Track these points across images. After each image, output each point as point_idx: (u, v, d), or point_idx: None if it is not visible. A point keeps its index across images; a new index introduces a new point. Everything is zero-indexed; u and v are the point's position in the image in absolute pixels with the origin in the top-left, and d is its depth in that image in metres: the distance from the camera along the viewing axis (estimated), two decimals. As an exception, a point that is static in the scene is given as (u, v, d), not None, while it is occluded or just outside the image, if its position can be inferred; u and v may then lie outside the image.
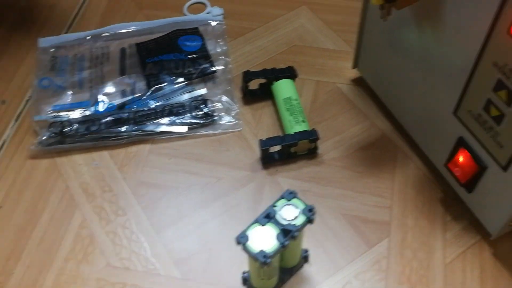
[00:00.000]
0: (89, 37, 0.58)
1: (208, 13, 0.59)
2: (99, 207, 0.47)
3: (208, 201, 0.47)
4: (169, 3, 0.62)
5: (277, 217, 0.36)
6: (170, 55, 0.55)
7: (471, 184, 0.42)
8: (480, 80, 0.37)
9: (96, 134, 0.50)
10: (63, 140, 0.50)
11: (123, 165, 0.50)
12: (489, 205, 0.42)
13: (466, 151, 0.41)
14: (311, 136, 0.48)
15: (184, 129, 0.51)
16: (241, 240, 0.35)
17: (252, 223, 0.36)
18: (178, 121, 0.51)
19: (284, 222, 0.36)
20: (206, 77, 0.54)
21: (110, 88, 0.54)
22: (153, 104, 0.52)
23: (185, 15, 0.60)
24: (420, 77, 0.44)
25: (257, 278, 0.40)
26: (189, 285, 0.43)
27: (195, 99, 0.52)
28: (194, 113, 0.51)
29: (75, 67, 0.55)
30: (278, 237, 0.36)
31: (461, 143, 0.41)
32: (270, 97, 0.54)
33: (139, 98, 0.53)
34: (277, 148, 0.49)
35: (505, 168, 0.38)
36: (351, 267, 0.43)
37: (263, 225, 0.36)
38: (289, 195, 0.37)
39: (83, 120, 0.51)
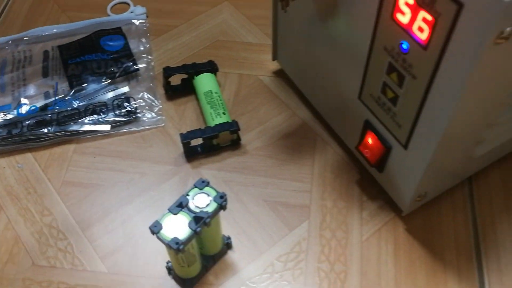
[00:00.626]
0: (11, 41, 0.57)
1: (131, 12, 0.60)
2: (24, 209, 0.47)
3: (133, 196, 0.48)
4: (92, 4, 0.62)
5: (190, 205, 0.38)
6: (92, 56, 0.55)
7: (380, 164, 0.44)
8: (375, 64, 0.39)
9: (19, 137, 0.50)
10: (-15, 144, 0.50)
11: (48, 166, 0.50)
12: (398, 183, 0.44)
13: (373, 133, 0.43)
14: (231, 127, 0.49)
15: (107, 127, 0.51)
16: (154, 229, 0.36)
17: (165, 213, 0.37)
18: (101, 120, 0.51)
19: (197, 210, 0.37)
20: (129, 75, 0.55)
21: (32, 91, 0.54)
22: (76, 104, 0.52)
23: (108, 15, 0.61)
24: (328, 66, 0.46)
25: (178, 266, 0.41)
26: (116, 279, 0.43)
27: (117, 97, 0.53)
28: (117, 112, 0.52)
29: (-4, 71, 0.55)
30: (190, 224, 0.37)
31: (367, 126, 0.44)
32: (193, 92, 0.55)
33: (62, 99, 0.53)
34: (200, 141, 0.50)
35: (405, 147, 0.40)
36: (273, 250, 0.45)
37: (175, 214, 0.37)
38: (201, 184, 0.38)
39: (5, 124, 0.51)
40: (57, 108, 0.52)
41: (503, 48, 0.30)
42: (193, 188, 0.39)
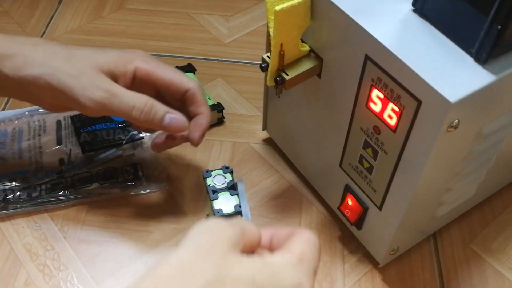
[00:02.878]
0: (27, 112, 0.64)
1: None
2: (43, 265, 0.52)
3: (142, 252, 0.54)
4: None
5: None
6: (102, 125, 0.62)
7: (359, 222, 0.52)
8: (353, 140, 0.47)
9: (37, 200, 0.56)
10: (6, 206, 0.55)
11: (63, 225, 0.55)
12: (374, 239, 0.52)
13: (352, 196, 0.51)
14: (218, 107, 0.64)
15: (117, 191, 0.57)
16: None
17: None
18: (111, 183, 0.58)
19: None
20: (135, 142, 0.62)
21: (48, 157, 0.60)
22: (88, 169, 0.59)
23: (115, 88, 0.68)
24: (312, 138, 0.54)
25: None
26: (127, 328, 0.49)
27: (126, 163, 0.59)
28: (125, 176, 0.58)
29: (14, 139, 0.61)
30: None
31: (347, 189, 0.51)
32: None
33: (76, 164, 0.59)
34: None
35: (380, 208, 0.48)
36: (267, 300, 0.51)
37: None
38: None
39: (24, 187, 0.57)
40: (71, 173, 0.58)
41: (453, 134, 0.38)
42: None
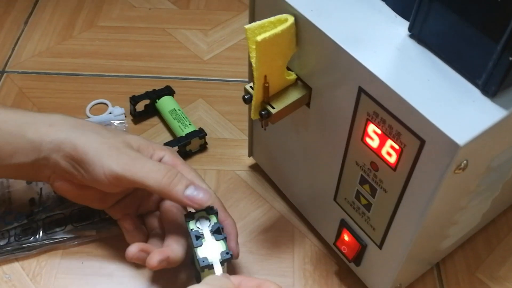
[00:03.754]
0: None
1: (110, 113, 0.63)
2: (14, 322, 0.48)
3: (123, 302, 0.49)
4: (70, 106, 0.65)
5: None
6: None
7: (357, 259, 0.48)
8: (349, 175, 0.43)
9: (5, 248, 0.51)
10: (-29, 257, 0.50)
11: (36, 275, 0.51)
12: (374, 276, 0.48)
13: (348, 232, 0.47)
14: (200, 133, 0.60)
15: (93, 232, 0.53)
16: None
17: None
18: (87, 225, 0.53)
19: None
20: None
21: (17, 197, 0.55)
22: (61, 210, 0.54)
23: (88, 117, 0.63)
24: (303, 168, 0.50)
25: None
26: None
27: (103, 201, 0.55)
28: (102, 215, 0.54)
29: (-21, 179, 0.56)
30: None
31: (343, 224, 0.47)
32: (155, 115, 0.64)
33: (47, 205, 0.54)
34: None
35: (380, 247, 0.44)
36: None
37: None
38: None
39: (-9, 235, 0.52)
40: (43, 215, 0.53)
41: (461, 176, 0.34)
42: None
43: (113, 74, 0.69)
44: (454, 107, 0.33)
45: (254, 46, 0.38)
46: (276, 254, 0.53)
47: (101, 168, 0.43)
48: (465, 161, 0.33)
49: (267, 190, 0.58)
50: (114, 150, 0.44)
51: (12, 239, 0.52)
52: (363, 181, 0.42)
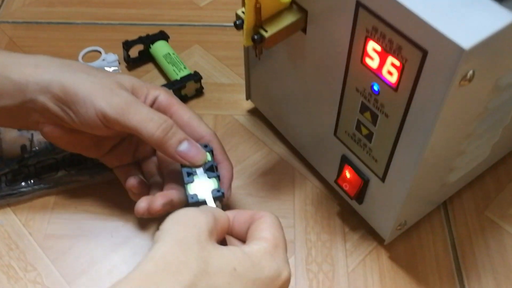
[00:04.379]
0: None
1: (103, 60, 0.61)
2: (7, 266, 0.46)
3: (117, 245, 0.48)
4: (62, 54, 0.62)
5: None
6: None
7: (359, 196, 0.46)
8: (349, 104, 0.41)
9: (-3, 193, 0.50)
10: (-38, 203, 0.49)
11: (28, 220, 0.49)
12: (378, 214, 0.46)
13: (350, 167, 0.45)
14: (195, 77, 0.57)
15: (86, 177, 0.51)
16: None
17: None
18: (79, 170, 0.51)
19: None
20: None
21: (8, 145, 0.53)
22: (53, 156, 0.52)
23: (80, 63, 0.61)
24: (301, 104, 0.47)
25: None
26: (106, 332, 0.43)
27: (96, 146, 0.53)
28: (95, 161, 0.52)
29: (-31, 127, 0.55)
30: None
31: (345, 160, 0.45)
32: (149, 62, 0.62)
33: (39, 150, 0.53)
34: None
35: (383, 180, 0.42)
36: (262, 289, 0.45)
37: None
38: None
39: (-19, 181, 0.50)
40: (34, 160, 0.52)
41: (467, 88, 0.32)
42: None
43: (106, 22, 0.66)
44: (459, 12, 0.30)
45: (243, -39, 0.35)
46: (276, 196, 0.51)
47: (93, 109, 0.40)
48: (471, 71, 0.31)
49: (266, 134, 0.56)
50: (107, 90, 0.41)
51: (3, 184, 0.50)
52: (363, 109, 0.39)
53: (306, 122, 0.49)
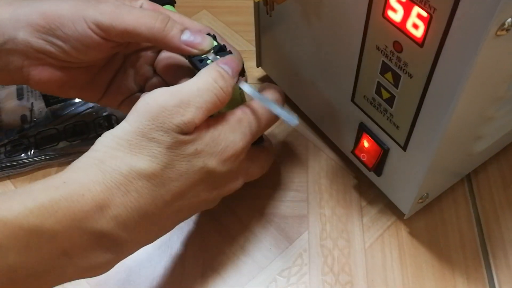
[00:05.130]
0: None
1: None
2: (6, 241, 0.44)
3: (121, 219, 0.45)
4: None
5: None
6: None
7: (378, 167, 0.43)
8: (368, 64, 0.37)
9: (-4, 165, 0.47)
10: (-40, 175, 0.47)
11: (29, 193, 0.47)
12: (398, 186, 0.43)
13: (368, 136, 0.42)
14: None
15: (88, 148, 0.48)
16: None
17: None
18: (82, 140, 0.49)
19: None
20: (109, 91, 0.53)
21: (8, 115, 0.51)
22: (54, 126, 0.50)
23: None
24: (316, 69, 0.44)
25: None
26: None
27: (97, 114, 0.50)
28: (98, 131, 0.49)
29: (-33, 96, 0.52)
30: None
31: (363, 129, 0.42)
32: None
33: (39, 120, 0.50)
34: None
35: (404, 148, 0.39)
36: (274, 265, 0.43)
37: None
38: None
39: (-20, 152, 0.48)
40: (35, 131, 0.49)
41: (504, 39, 0.28)
42: None
43: (109, -13, 0.63)
44: (497, -50, 0.27)
45: None
46: (289, 169, 0.48)
47: (84, 23, 0.37)
48: (509, 19, 0.27)
49: (278, 103, 0.53)
50: (93, 1, 0.38)
51: (2, 155, 0.48)
52: (384, 69, 0.36)
53: (321, 89, 0.45)
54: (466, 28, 0.28)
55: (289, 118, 0.38)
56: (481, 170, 0.48)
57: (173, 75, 0.43)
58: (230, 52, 0.39)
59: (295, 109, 0.52)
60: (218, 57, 0.38)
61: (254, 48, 0.55)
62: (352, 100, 0.41)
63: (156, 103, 0.34)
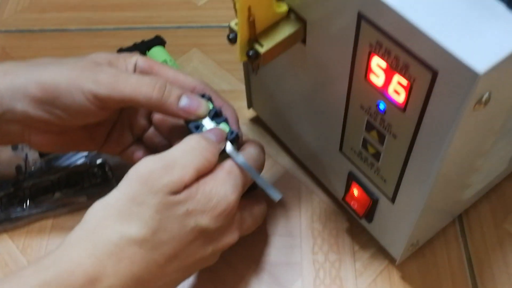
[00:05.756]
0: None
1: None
2: (4, 296, 0.45)
3: (116, 270, 0.46)
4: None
5: None
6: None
7: (369, 215, 0.43)
8: (353, 121, 0.38)
9: (-8, 218, 0.48)
10: (-44, 230, 0.47)
11: (26, 246, 0.47)
12: (389, 233, 0.43)
13: (358, 185, 0.42)
14: None
15: (84, 199, 0.49)
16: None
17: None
18: (76, 191, 0.49)
19: None
20: (102, 138, 0.53)
21: (3, 166, 0.51)
22: (49, 177, 0.50)
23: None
24: (304, 116, 0.44)
25: None
26: None
27: (91, 164, 0.51)
28: (92, 180, 0.50)
29: (-39, 147, 0.53)
30: None
31: (352, 177, 0.42)
32: None
33: (34, 171, 0.51)
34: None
35: (392, 201, 0.39)
36: (268, 314, 0.43)
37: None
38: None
39: (-25, 205, 0.48)
40: (30, 182, 0.50)
41: (482, 111, 0.29)
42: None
43: (100, 27, 0.63)
44: (472, 27, 0.27)
45: (232, -27, 0.32)
46: (282, 212, 0.49)
47: (81, 94, 0.37)
48: (487, 94, 0.27)
49: (270, 144, 0.53)
50: (88, 71, 0.38)
51: (-3, 209, 0.48)
52: (369, 127, 0.36)
53: (310, 134, 0.46)
54: (446, 100, 0.29)
55: (273, 193, 0.38)
56: (472, 210, 0.48)
57: (168, 129, 0.44)
58: (226, 120, 0.40)
59: (286, 150, 0.52)
60: (213, 122, 0.39)
61: (244, 87, 0.55)
62: (340, 150, 0.42)
63: (145, 168, 0.35)
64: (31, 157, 0.52)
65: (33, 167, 0.51)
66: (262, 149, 0.42)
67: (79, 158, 0.51)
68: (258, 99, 0.52)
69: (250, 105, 0.54)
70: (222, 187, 0.37)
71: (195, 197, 0.36)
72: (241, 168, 0.38)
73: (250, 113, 0.55)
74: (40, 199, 0.49)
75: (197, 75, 0.58)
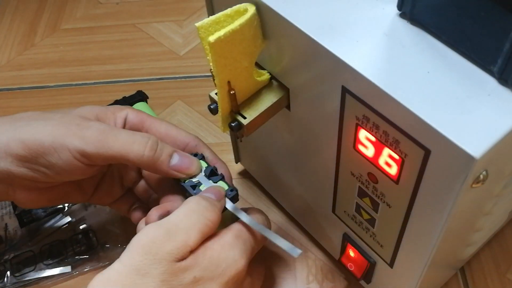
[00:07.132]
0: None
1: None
2: None
3: None
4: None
5: None
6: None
7: (367, 277, 0.41)
8: (345, 187, 0.36)
9: (-28, 296, 0.46)
10: None
11: (8, 325, 0.45)
12: (389, 294, 0.41)
13: (353, 247, 0.40)
14: None
15: (67, 269, 0.47)
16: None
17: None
18: (60, 261, 0.47)
19: None
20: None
21: (-18, 237, 0.49)
22: (30, 247, 0.48)
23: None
24: (295, 177, 0.43)
25: None
26: None
27: (74, 232, 0.49)
28: (76, 249, 0.47)
29: None
30: None
31: (347, 239, 0.41)
32: None
33: (14, 242, 0.48)
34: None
35: (391, 265, 0.37)
36: None
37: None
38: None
39: (-46, 283, 0.46)
40: (10, 255, 0.47)
41: (480, 188, 0.27)
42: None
43: (81, 82, 0.62)
44: (464, 106, 0.25)
45: (208, 47, 0.30)
46: (276, 274, 0.46)
47: (67, 152, 0.35)
48: (484, 172, 0.26)
49: (260, 199, 0.51)
50: (74, 127, 0.36)
51: (-22, 287, 0.46)
52: (362, 194, 0.35)
53: (301, 194, 0.44)
54: (441, 178, 0.27)
55: (292, 250, 0.36)
56: (475, 260, 0.46)
57: (156, 183, 0.42)
58: (222, 176, 0.39)
59: (278, 205, 0.50)
60: (210, 181, 0.38)
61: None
62: (333, 211, 0.40)
63: (147, 237, 0.33)
64: (11, 226, 0.50)
65: (13, 237, 0.49)
66: (266, 216, 0.40)
67: (62, 225, 0.49)
68: (246, 155, 0.50)
69: (238, 159, 0.52)
70: (231, 252, 0.35)
71: (202, 263, 0.33)
72: (249, 231, 0.36)
73: (239, 166, 0.53)
74: (22, 272, 0.47)
75: (182, 127, 0.55)
